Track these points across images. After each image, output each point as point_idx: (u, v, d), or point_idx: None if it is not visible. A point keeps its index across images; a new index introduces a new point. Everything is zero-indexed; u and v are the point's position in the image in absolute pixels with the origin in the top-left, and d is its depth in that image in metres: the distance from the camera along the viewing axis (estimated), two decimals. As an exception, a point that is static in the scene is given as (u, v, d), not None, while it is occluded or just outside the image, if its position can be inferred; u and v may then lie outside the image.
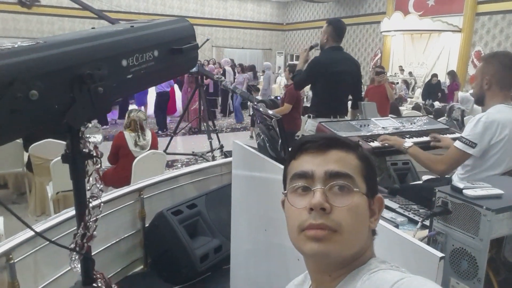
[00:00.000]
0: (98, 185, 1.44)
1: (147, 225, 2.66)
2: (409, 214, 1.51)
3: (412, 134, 2.35)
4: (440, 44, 12.12)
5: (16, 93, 0.98)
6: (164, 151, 5.67)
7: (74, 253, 1.26)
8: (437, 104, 7.27)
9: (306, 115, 3.54)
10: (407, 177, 3.21)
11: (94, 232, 1.35)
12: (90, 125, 1.28)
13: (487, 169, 1.83)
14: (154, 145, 4.01)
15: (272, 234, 1.67)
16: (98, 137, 1.45)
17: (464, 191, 1.04)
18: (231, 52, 18.32)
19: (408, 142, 2.03)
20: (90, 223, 1.36)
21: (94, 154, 1.38)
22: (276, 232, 1.63)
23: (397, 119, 2.60)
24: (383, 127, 2.40)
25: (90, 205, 1.39)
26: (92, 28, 1.51)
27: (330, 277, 0.69)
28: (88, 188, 1.41)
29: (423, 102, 7.61)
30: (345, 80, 3.24)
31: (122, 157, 3.68)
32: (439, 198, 1.08)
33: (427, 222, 1.59)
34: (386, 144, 2.10)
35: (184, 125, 7.03)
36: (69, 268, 1.26)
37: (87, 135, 1.31)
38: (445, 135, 2.32)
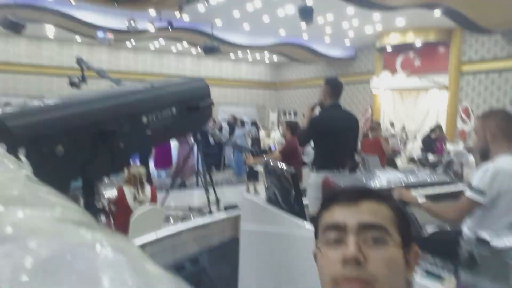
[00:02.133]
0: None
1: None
2: (427, 266, 1.48)
3: (418, 186, 2.36)
4: (429, 100, 12.60)
5: (44, 149, 0.99)
6: (161, 205, 5.59)
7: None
8: (430, 157, 7.39)
9: (308, 169, 3.58)
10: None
11: None
12: (106, 180, 1.28)
13: (497, 218, 1.82)
14: (153, 200, 3.95)
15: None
16: (112, 193, 1.43)
17: (491, 242, 1.03)
18: (226, 108, 18.77)
19: (422, 197, 2.02)
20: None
21: (108, 209, 1.36)
22: (291, 285, 1.57)
23: (400, 172, 2.63)
24: (388, 180, 2.42)
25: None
26: (111, 87, 1.56)
27: None
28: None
29: (424, 155, 7.74)
30: (345, 135, 3.35)
31: (120, 212, 3.60)
32: (466, 250, 1.07)
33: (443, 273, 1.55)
34: (402, 198, 2.10)
35: (181, 180, 6.96)
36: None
37: (102, 190, 1.30)
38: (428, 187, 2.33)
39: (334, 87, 3.38)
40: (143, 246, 2.53)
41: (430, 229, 2.88)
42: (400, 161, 7.72)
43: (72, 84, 1.79)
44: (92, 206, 1.26)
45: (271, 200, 1.81)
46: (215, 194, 6.11)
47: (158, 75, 16.87)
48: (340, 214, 0.70)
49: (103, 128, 1.13)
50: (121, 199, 3.60)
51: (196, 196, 6.81)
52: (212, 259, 2.69)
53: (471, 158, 6.81)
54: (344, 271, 0.64)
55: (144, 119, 1.28)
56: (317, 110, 3.62)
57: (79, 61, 1.88)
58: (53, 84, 15.15)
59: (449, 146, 8.69)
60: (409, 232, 0.73)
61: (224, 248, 2.85)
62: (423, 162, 7.11)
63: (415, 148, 10.04)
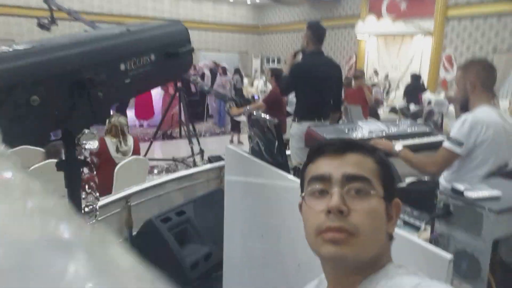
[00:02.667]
0: (93, 193, 1.40)
1: (134, 233, 2.60)
2: (404, 217, 1.54)
3: (398, 137, 2.40)
4: (413, 47, 12.52)
5: (18, 99, 0.94)
6: (144, 156, 5.58)
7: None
8: (412, 107, 7.49)
9: (291, 119, 3.57)
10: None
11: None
12: (86, 131, 1.24)
13: (472, 170, 1.89)
14: (136, 151, 3.93)
15: (270, 241, 1.66)
16: (94, 144, 1.41)
17: (465, 193, 1.07)
18: (207, 55, 18.23)
19: (399, 145, 2.07)
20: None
21: (89, 161, 1.34)
22: (274, 239, 1.62)
23: (382, 123, 2.66)
24: (369, 131, 2.45)
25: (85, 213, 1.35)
26: (85, 31, 1.47)
27: (347, 281, 0.69)
28: (84, 196, 1.37)
29: (406, 105, 7.81)
30: (327, 84, 3.30)
31: (103, 164, 3.58)
32: (440, 201, 1.11)
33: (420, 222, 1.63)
34: (378, 147, 2.14)
35: (164, 130, 6.91)
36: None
37: (83, 142, 1.27)
38: (414, 139, 2.39)
39: (316, 32, 3.27)
40: (127, 197, 2.55)
41: (408, 180, 2.99)
42: (382, 111, 7.81)
43: (42, 26, 1.66)
44: (73, 159, 1.24)
45: (255, 151, 1.81)
46: (199, 145, 6.12)
47: (134, 17, 16.02)
48: (325, 166, 0.71)
49: (80, 76, 1.07)
50: (103, 151, 3.56)
51: (179, 147, 6.79)
52: (197, 210, 2.75)
53: (451, 108, 6.94)
54: (328, 221, 0.65)
55: (122, 67, 1.22)
56: (300, 57, 3.54)
57: (47, 0, 1.73)
58: (22, 27, 14.23)
59: (430, 96, 8.78)
60: (393, 186, 0.74)
61: (209, 198, 2.90)
62: (404, 112, 7.21)
63: (397, 97, 10.13)
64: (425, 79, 11.05)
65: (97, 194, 1.37)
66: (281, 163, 1.61)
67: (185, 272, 2.42)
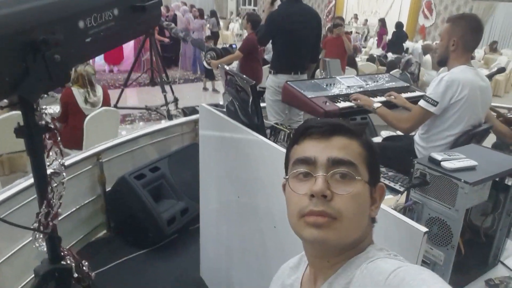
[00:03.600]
0: (59, 160, 1.32)
1: (108, 189, 2.56)
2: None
3: (376, 92, 2.38)
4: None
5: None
6: (115, 105, 5.38)
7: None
8: (390, 55, 7.43)
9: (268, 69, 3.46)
10: (365, 133, 3.31)
11: (59, 210, 1.26)
12: (45, 95, 1.14)
13: (446, 129, 1.91)
14: (106, 102, 3.75)
15: (246, 201, 1.66)
16: (55, 108, 1.30)
17: (442, 163, 1.07)
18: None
19: (377, 103, 2.06)
20: (54, 201, 1.26)
21: (52, 127, 1.25)
22: (250, 199, 1.62)
23: (360, 77, 2.61)
24: (348, 86, 2.40)
25: (53, 181, 1.28)
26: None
27: (328, 263, 0.69)
28: (49, 163, 1.29)
29: (384, 53, 7.71)
30: (305, 34, 3.16)
31: (71, 116, 3.41)
32: (417, 170, 1.11)
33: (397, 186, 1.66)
34: (358, 102, 2.13)
35: (136, 77, 6.63)
36: (29, 241, 1.18)
37: (43, 107, 1.17)
38: (402, 94, 2.38)
39: None
40: (98, 154, 2.47)
41: (384, 133, 3.02)
42: (360, 59, 7.72)
43: None
44: (33, 125, 1.14)
45: (230, 111, 1.74)
46: (173, 93, 5.93)
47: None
48: (311, 148, 0.70)
49: (32, 37, 0.95)
50: (71, 101, 3.38)
51: (153, 95, 6.58)
52: (172, 165, 2.71)
53: (427, 57, 6.94)
54: (311, 204, 0.64)
55: (81, 24, 1.10)
56: (277, 5, 3.35)
57: None
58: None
59: (408, 43, 8.71)
60: (378, 170, 0.74)
61: (184, 153, 2.86)
62: (382, 61, 7.16)
63: (375, 44, 10.01)
64: (404, 25, 10.88)
65: (64, 160, 1.29)
66: (257, 125, 1.56)
67: (162, 227, 2.43)
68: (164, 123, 3.17)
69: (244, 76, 1.55)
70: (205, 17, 9.99)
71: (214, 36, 8.14)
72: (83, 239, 2.45)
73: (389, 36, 9.29)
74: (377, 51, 8.18)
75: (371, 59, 7.44)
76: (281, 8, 3.09)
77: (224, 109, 1.84)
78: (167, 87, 5.87)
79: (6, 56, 0.92)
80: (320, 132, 0.70)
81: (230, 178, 1.76)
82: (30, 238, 1.19)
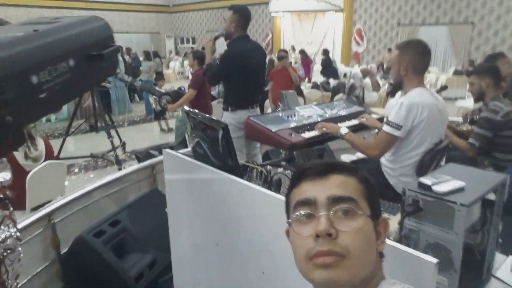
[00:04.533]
0: (13, 234, 1.15)
1: (63, 251, 2.29)
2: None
3: (338, 119, 2.41)
4: (326, 23, 12.99)
5: None
6: (57, 156, 5.01)
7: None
8: (332, 81, 7.77)
9: (222, 107, 3.41)
10: (323, 158, 3.34)
11: (17, 289, 1.08)
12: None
13: (412, 149, 1.99)
14: (49, 155, 3.46)
15: (227, 249, 1.55)
16: (6, 175, 1.16)
17: (433, 187, 1.06)
18: (115, 37, 16.91)
19: (344, 129, 2.09)
20: (9, 282, 1.08)
21: (2, 197, 1.09)
22: (232, 247, 1.51)
23: (319, 106, 2.65)
24: (308, 116, 2.42)
25: (7, 260, 1.10)
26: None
27: None
28: (0, 239, 1.11)
29: (325, 79, 8.04)
30: (257, 69, 3.23)
31: (13, 177, 3.09)
32: (409, 197, 1.09)
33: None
34: (325, 130, 2.14)
35: (78, 124, 6.30)
36: None
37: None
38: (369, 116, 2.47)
39: (244, 16, 3.11)
40: (49, 214, 2.22)
41: (344, 157, 3.06)
42: (304, 87, 7.99)
43: None
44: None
45: (198, 154, 1.65)
46: (119, 137, 5.67)
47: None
48: (309, 189, 0.69)
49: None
50: (10, 160, 3.07)
51: (98, 142, 6.25)
52: (133, 216, 2.51)
53: (366, 80, 7.35)
54: (317, 245, 0.64)
55: (34, 79, 0.98)
56: (219, 42, 3.36)
57: None
58: None
59: (345, 68, 9.20)
60: (378, 204, 0.74)
61: (144, 201, 2.67)
62: (325, 87, 7.46)
63: (315, 71, 10.46)
64: (339, 52, 11.58)
65: (19, 234, 1.12)
66: (231, 166, 1.48)
67: (130, 286, 2.21)
68: (119, 172, 2.97)
69: (214, 117, 1.49)
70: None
71: (161, 76, 8.06)
72: (38, 315, 2.15)
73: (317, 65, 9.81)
74: (320, 78, 8.54)
75: (315, 86, 7.74)
76: (235, 46, 3.10)
77: (190, 152, 1.75)
78: (112, 132, 5.62)
79: None
80: (316, 172, 0.70)
81: (206, 222, 1.64)
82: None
